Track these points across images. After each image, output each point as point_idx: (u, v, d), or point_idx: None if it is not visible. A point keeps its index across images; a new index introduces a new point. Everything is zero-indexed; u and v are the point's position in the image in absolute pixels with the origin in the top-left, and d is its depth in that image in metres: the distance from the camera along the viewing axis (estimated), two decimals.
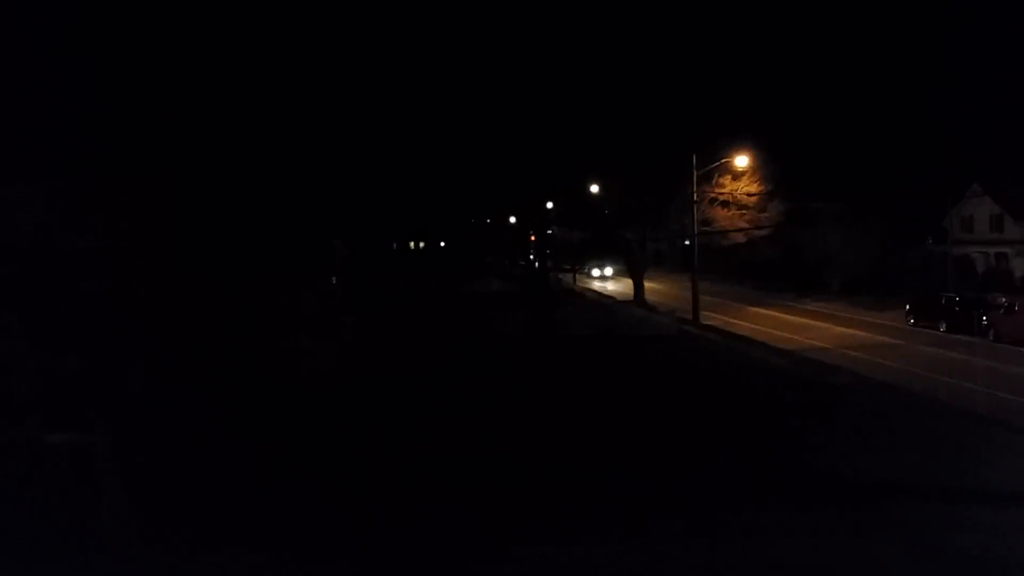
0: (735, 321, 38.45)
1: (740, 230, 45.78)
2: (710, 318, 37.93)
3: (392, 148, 44.23)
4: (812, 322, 38.19)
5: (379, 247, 56.97)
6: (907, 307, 36.76)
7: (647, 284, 49.11)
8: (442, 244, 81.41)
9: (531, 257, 72.74)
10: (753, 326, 36.79)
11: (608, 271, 67.03)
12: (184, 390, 19.46)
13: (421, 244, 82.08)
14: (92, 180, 25.30)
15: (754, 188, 44.11)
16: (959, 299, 34.70)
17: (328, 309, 25.97)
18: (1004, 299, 32.76)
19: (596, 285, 61.75)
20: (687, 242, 46.76)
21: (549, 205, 71.83)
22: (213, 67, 25.40)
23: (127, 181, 25.40)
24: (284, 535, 11.41)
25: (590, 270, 67.00)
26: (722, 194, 44.14)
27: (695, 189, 40.02)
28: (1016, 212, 44.46)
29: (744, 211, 44.82)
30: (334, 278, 27.86)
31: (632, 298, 48.06)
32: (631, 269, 50.43)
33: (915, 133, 48.37)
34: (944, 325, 33.57)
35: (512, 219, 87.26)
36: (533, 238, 79.57)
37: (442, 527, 11.85)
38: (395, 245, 71.76)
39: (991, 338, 30.42)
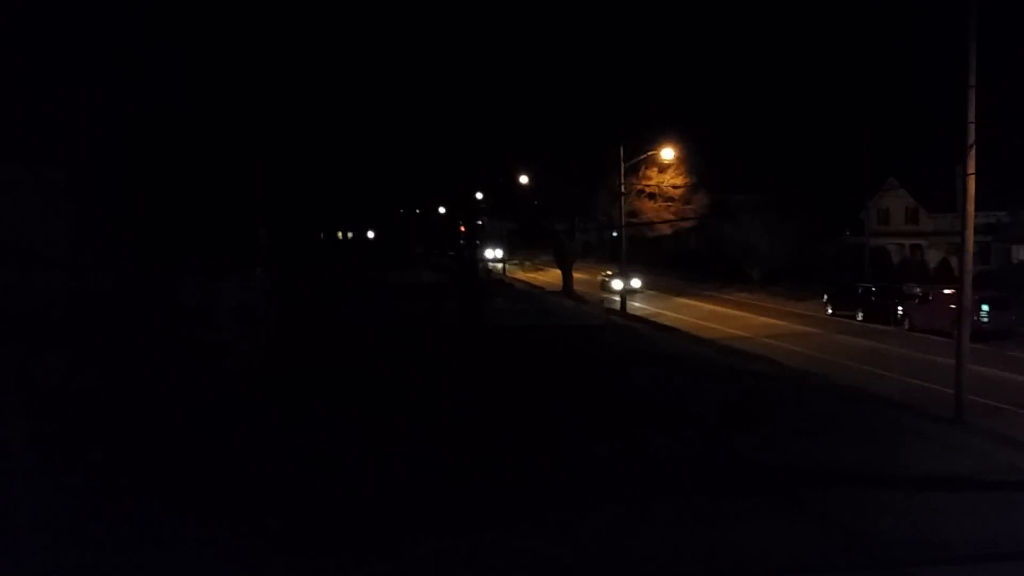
0: (661, 311, 39.07)
1: (666, 221, 46.51)
2: (637, 308, 38.48)
3: (319, 136, 43.49)
4: (734, 312, 39.03)
5: (305, 237, 56.05)
6: (825, 297, 37.84)
7: (576, 275, 49.52)
8: (371, 234, 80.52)
9: (460, 248, 72.60)
10: (678, 316, 37.44)
11: (498, 253, 69.59)
12: (101, 384, 18.88)
13: (349, 234, 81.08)
14: (3, 168, 24.28)
15: (679, 180, 44.84)
16: (875, 289, 35.88)
17: (252, 300, 25.51)
18: (919, 289, 33.99)
19: (525, 275, 62.05)
20: (615, 233, 47.36)
21: (479, 195, 71.84)
22: (131, 48, 24.54)
23: (39, 169, 24.43)
24: (207, 530, 11.20)
25: (515, 260, 67.82)
26: (648, 186, 44.77)
27: (622, 181, 40.47)
28: (930, 205, 46.10)
29: (670, 203, 45.54)
30: (258, 269, 27.31)
31: (561, 288, 48.41)
32: (559, 260, 50.79)
33: (835, 127, 49.76)
34: (861, 314, 34.67)
35: (441, 209, 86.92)
36: (463, 229, 79.36)
37: (365, 517, 11.79)
38: (322, 235, 70.68)
39: (906, 327, 31.54)
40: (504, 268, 62.37)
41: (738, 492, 13.13)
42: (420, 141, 46.51)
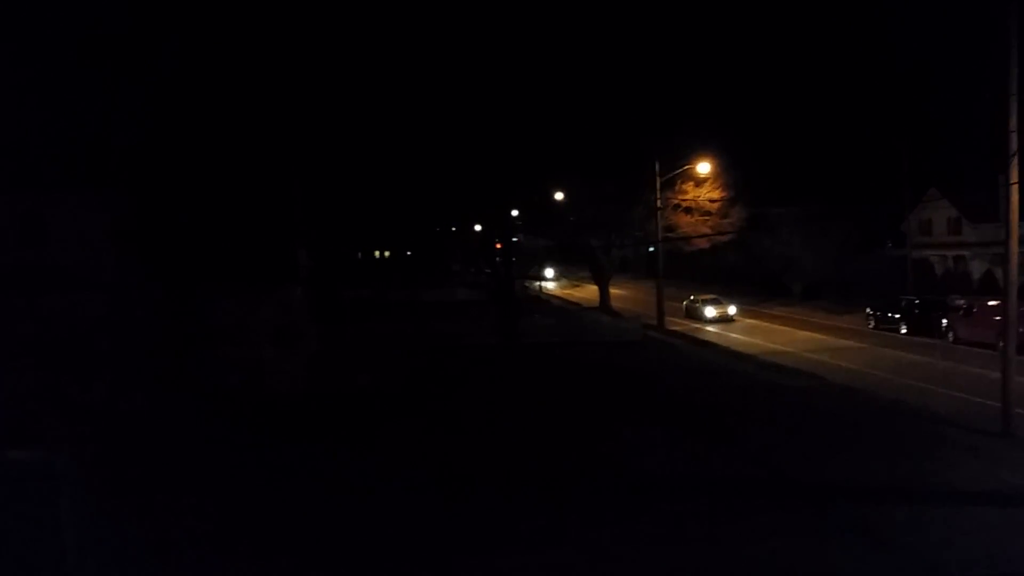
0: (699, 326, 38.77)
1: (703, 236, 46.18)
2: (675, 323, 38.24)
3: (357, 157, 43.99)
4: (775, 326, 38.60)
5: (343, 256, 56.51)
6: (868, 310, 37.28)
7: (613, 291, 49.33)
8: (408, 253, 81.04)
9: (497, 265, 72.80)
10: (717, 331, 37.12)
11: (550, 273, 67.30)
12: (146, 405, 19.17)
13: (386, 253, 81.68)
14: (49, 193, 24.90)
15: (716, 194, 44.56)
16: (919, 302, 35.27)
17: (292, 320, 25.79)
18: (962, 301, 33.34)
19: (562, 292, 61.95)
20: (651, 248, 47.11)
21: (514, 213, 72.00)
22: (170, 76, 25.08)
23: (85, 194, 25.03)
24: (256, 548, 11.31)
25: (550, 277, 67.54)
26: (685, 200, 44.55)
27: (658, 196, 40.33)
28: (973, 215, 45.28)
29: (707, 217, 45.25)
30: (298, 288, 27.62)
31: (598, 304, 48.26)
32: (596, 276, 50.67)
33: (875, 138, 49.15)
34: (905, 328, 34.09)
35: (477, 227, 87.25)
36: (499, 246, 79.52)
37: (410, 536, 11.81)
38: (360, 254, 71.26)
39: (951, 339, 30.93)
40: (540, 285, 62.34)
41: (779, 509, 12.95)
42: (456, 159, 46.83)
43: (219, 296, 23.91)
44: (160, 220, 24.64)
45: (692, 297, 44.18)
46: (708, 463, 15.63)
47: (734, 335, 35.69)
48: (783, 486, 14.23)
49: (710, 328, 38.40)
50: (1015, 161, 16.58)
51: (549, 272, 66.84)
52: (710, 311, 40.74)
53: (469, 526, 12.32)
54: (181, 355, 21.21)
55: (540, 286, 62.54)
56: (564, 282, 66.20)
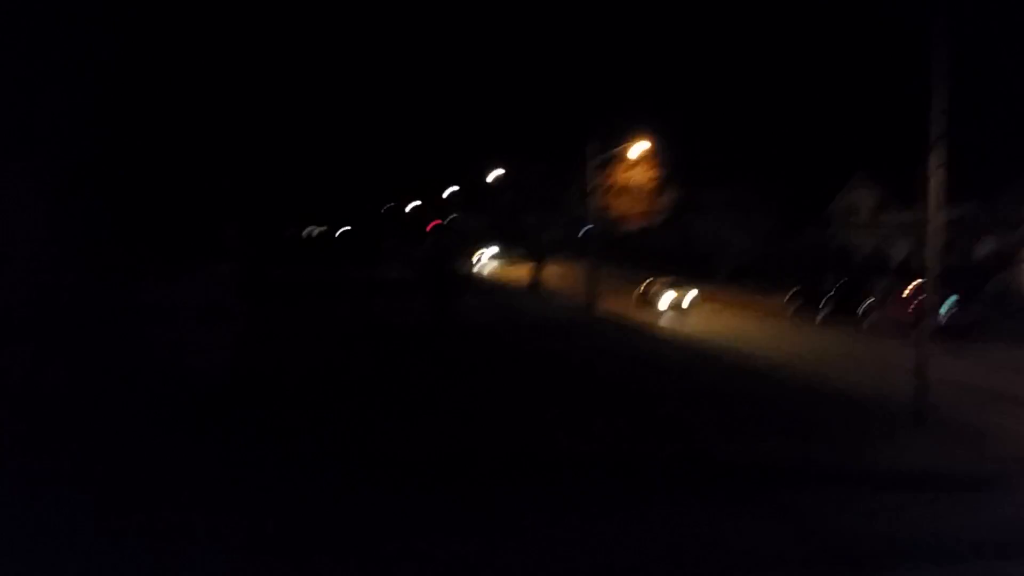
0: (630, 308, 39.17)
1: (636, 217, 46.67)
2: (607, 304, 38.52)
3: (288, 134, 43.19)
4: (702, 307, 39.22)
5: (273, 234, 55.60)
6: (790, 293, 38.13)
7: (547, 271, 49.54)
8: (340, 231, 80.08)
9: (431, 244, 72.46)
10: (648, 313, 37.55)
11: (507, 257, 65.87)
12: (70, 385, 18.62)
13: (318, 231, 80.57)
14: None
15: (649, 176, 45.04)
16: (839, 284, 36.22)
17: (218, 298, 25.30)
18: (883, 284, 34.36)
19: (497, 272, 61.99)
20: (585, 229, 47.43)
21: (450, 191, 71.59)
22: (96, 46, 24.19)
23: (7, 169, 24.06)
24: (177, 531, 11.07)
25: (486, 256, 66.94)
26: (619, 181, 44.91)
27: (592, 177, 40.54)
28: (897, 198, 46.55)
29: (640, 198, 45.72)
30: (226, 266, 27.09)
31: (532, 285, 48.42)
32: (531, 256, 50.80)
33: (803, 123, 50.14)
34: (826, 311, 34.99)
35: (413, 205, 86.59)
36: (433, 224, 79.17)
37: (337, 519, 11.71)
38: (290, 232, 70.18)
39: (871, 323, 31.87)
40: (474, 265, 62.24)
41: (707, 491, 13.22)
42: (391, 138, 46.35)
43: (145, 274, 23.32)
44: (83, 195, 23.84)
45: (646, 283, 40.32)
46: (632, 443, 15.84)
47: (664, 317, 36.17)
48: (705, 465, 14.52)
49: (646, 311, 38.83)
50: (939, 145, 17.06)
51: (490, 252, 66.41)
52: (666, 298, 37.53)
53: (397, 509, 12.25)
54: (104, 332, 20.61)
55: (476, 266, 62.48)
56: (500, 262, 66.23)
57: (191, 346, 22.32)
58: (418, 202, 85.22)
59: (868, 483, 13.47)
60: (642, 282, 40.59)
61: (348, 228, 76.92)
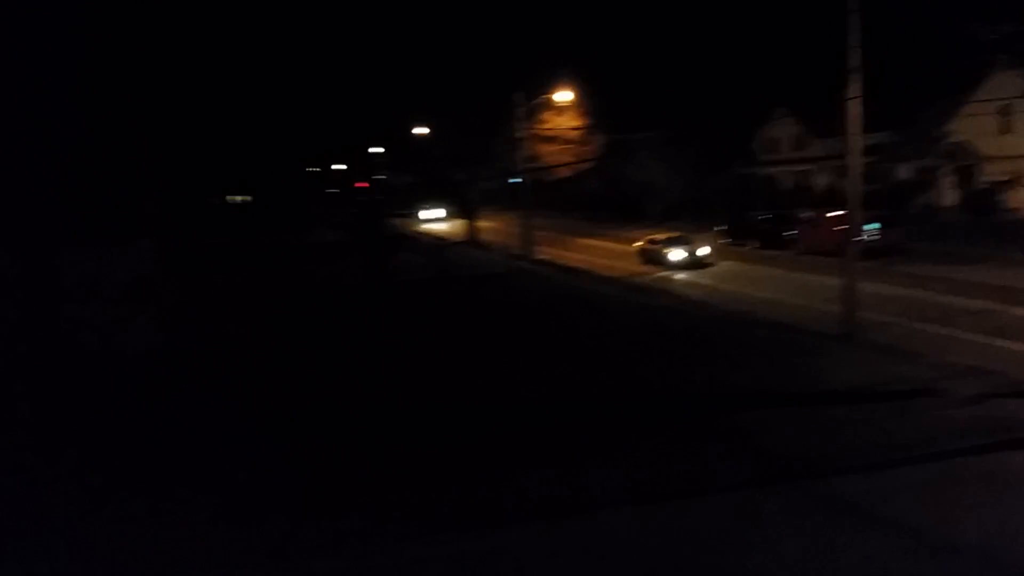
0: (565, 253, 39.41)
1: (566, 164, 46.79)
2: (542, 252, 38.67)
3: (206, 100, 41.86)
4: (635, 248, 39.65)
5: (198, 204, 54.15)
6: (721, 228, 38.77)
7: (480, 223, 49.45)
8: (267, 197, 78.48)
9: (362, 204, 71.52)
10: (582, 257, 37.84)
11: (440, 213, 64.86)
12: None
13: (244, 198, 78.83)
14: None
15: (577, 123, 45.11)
16: (767, 216, 36.93)
17: (145, 273, 24.58)
18: (808, 213, 35.13)
19: (430, 228, 61.61)
20: (515, 179, 47.35)
21: (377, 150, 70.58)
22: None
23: None
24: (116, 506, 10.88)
25: (419, 213, 66.16)
26: (546, 130, 44.86)
27: (520, 126, 40.39)
28: (817, 131, 47.43)
29: (568, 145, 45.81)
30: (149, 239, 26.27)
31: (466, 238, 48.31)
32: (463, 209, 50.59)
33: (724, 60, 50.57)
34: (755, 242, 35.69)
35: (340, 167, 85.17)
36: (363, 185, 78.09)
37: (292, 482, 11.65)
38: (216, 200, 68.46)
39: (798, 250, 32.63)
40: (407, 222, 61.71)
41: (647, 420, 13.50)
42: (313, 97, 45.35)
43: (64, 252, 22.46)
44: None
45: (649, 238, 34.57)
46: (576, 384, 16.04)
47: (598, 260, 36.46)
48: (647, 400, 14.80)
49: (573, 254, 39.05)
50: (856, 76, 17.39)
51: (433, 212, 65.28)
52: (676, 254, 31.81)
53: (349, 463, 12.24)
54: (19, 313, 19.86)
55: (413, 222, 61.89)
56: (436, 219, 65.73)
57: (118, 325, 21.71)
58: (344, 165, 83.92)
59: (804, 402, 13.90)
60: (638, 239, 35.86)
61: (274, 193, 75.40)
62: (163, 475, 12.26)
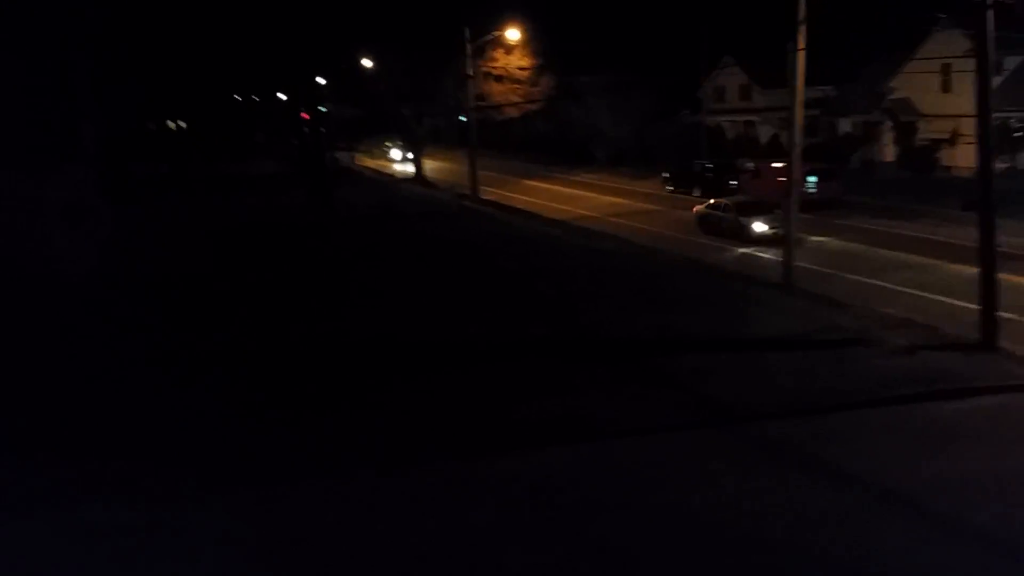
0: (512, 195, 39.38)
1: (514, 104, 46.34)
2: (489, 192, 38.57)
3: (146, 21, 40.22)
4: (582, 192, 39.83)
5: (135, 129, 52.40)
6: (666, 175, 39.08)
7: (427, 162, 48.96)
8: (207, 124, 76.25)
9: (304, 136, 69.94)
10: (529, 199, 37.86)
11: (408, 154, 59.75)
12: None
13: (183, 124, 76.45)
14: None
15: (526, 62, 44.55)
16: (711, 165, 37.31)
17: (79, 200, 23.88)
18: (751, 164, 35.59)
19: (376, 164, 60.73)
20: (464, 118, 46.81)
21: (321, 81, 68.79)
22: None
23: None
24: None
25: (387, 151, 63.15)
26: (495, 68, 44.27)
27: (468, 63, 39.80)
28: (763, 82, 47.77)
29: (517, 85, 45.29)
30: (83, 166, 25.45)
31: (412, 175, 47.82)
32: (409, 146, 49.94)
33: (674, 6, 50.37)
34: (699, 190, 36.08)
35: (282, 96, 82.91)
36: (306, 116, 76.13)
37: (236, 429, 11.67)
38: (154, 126, 66.31)
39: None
40: (352, 157, 60.58)
41: (590, 363, 13.79)
42: (257, 21, 43.91)
43: None
44: None
45: (712, 202, 27.66)
46: (523, 327, 16.23)
47: (544, 202, 36.55)
48: (593, 342, 15.07)
49: (519, 195, 39.02)
50: (802, 28, 17.54)
51: (395, 152, 60.93)
52: (759, 226, 24.32)
53: (287, 393, 12.31)
54: None
55: (360, 156, 60.65)
56: (383, 154, 64.44)
57: (55, 252, 21.16)
58: (286, 95, 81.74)
59: (744, 348, 14.32)
60: (698, 203, 29.14)
61: (215, 121, 73.26)
62: (92, 412, 12.16)
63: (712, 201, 27.87)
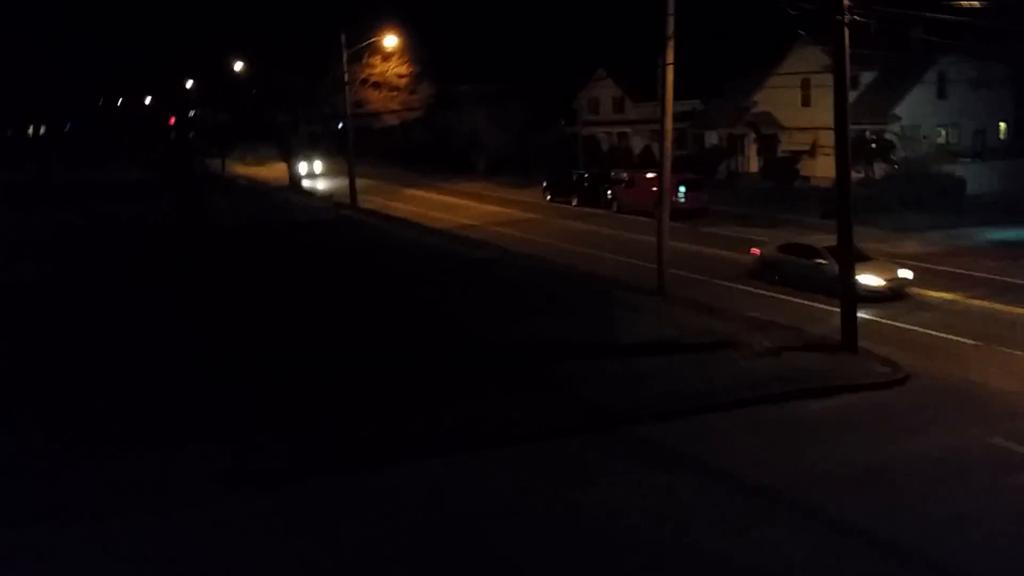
0: (392, 203, 39.12)
1: (392, 112, 46.04)
2: (368, 201, 38.18)
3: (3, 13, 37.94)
4: (462, 201, 39.96)
5: None
6: (544, 184, 39.69)
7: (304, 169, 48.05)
8: (67, 129, 72.40)
9: (171, 142, 67.44)
10: (409, 207, 37.69)
11: (317, 166, 53.11)
12: None
13: (41, 130, 72.35)
14: None
15: (404, 69, 44.32)
16: (587, 175, 38.14)
17: None
18: (625, 174, 36.56)
19: (251, 172, 59.08)
20: (341, 125, 46.16)
21: (189, 84, 66.51)
22: None
23: None
24: None
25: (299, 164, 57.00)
26: (373, 75, 43.86)
27: (346, 69, 39.32)
28: (635, 95, 49.21)
29: (396, 92, 45.01)
30: None
31: (287, 184, 46.82)
32: (284, 154, 48.85)
33: (551, 19, 51.31)
34: (575, 200, 36.81)
35: (148, 100, 79.73)
36: (173, 121, 73.57)
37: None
38: (9, 132, 62.55)
39: (615, 209, 33.98)
40: (223, 163, 58.75)
41: (469, 371, 13.86)
42: (119, 24, 42.09)
43: None
44: None
45: (785, 244, 20.68)
46: (405, 334, 16.17)
47: (423, 210, 36.46)
48: (471, 350, 15.17)
49: (399, 204, 38.77)
50: (671, 44, 18.18)
51: (315, 166, 55.44)
52: (869, 279, 17.80)
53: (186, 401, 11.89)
54: None
55: (223, 164, 58.86)
56: (255, 161, 62.55)
57: None
58: (151, 98, 78.62)
59: (618, 353, 14.69)
60: (754, 246, 21.92)
61: (77, 126, 69.66)
62: None
63: (783, 243, 20.75)
